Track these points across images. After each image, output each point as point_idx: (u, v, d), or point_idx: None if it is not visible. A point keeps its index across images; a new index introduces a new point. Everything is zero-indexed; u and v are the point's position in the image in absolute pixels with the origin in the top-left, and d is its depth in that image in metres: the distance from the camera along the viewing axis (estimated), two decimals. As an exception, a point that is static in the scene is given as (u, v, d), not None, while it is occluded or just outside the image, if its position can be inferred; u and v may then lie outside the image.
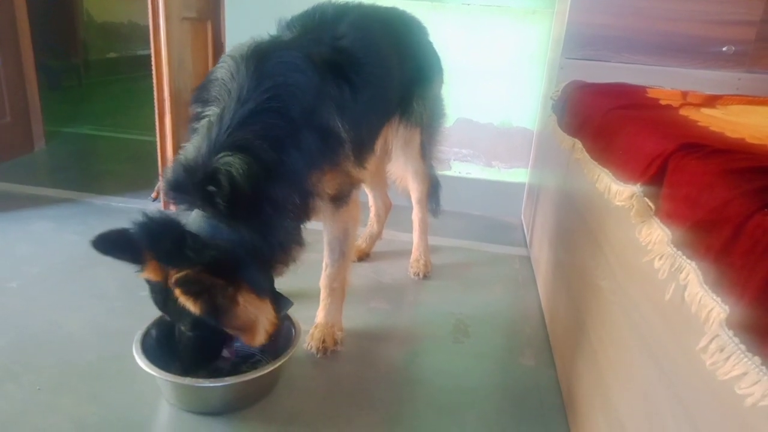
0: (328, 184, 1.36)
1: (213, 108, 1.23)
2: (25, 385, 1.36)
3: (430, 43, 1.94)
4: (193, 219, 1.20)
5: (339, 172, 1.39)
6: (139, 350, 1.32)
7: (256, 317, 1.24)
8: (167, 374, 1.29)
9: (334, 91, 1.34)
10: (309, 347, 1.56)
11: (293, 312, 1.51)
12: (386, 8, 1.83)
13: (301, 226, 1.34)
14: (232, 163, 1.14)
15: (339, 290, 1.63)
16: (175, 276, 1.09)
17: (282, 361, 1.35)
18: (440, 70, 1.98)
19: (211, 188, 1.15)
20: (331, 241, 1.57)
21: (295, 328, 1.45)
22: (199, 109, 1.27)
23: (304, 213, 1.32)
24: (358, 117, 1.41)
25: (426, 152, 1.98)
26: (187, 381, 1.29)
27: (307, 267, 1.42)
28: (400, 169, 2.05)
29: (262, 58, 1.26)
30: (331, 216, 1.49)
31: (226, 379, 1.29)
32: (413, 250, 2.14)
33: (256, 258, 1.21)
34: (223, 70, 1.27)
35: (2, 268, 1.92)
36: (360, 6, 1.64)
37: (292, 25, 1.48)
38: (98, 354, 1.50)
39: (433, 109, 1.96)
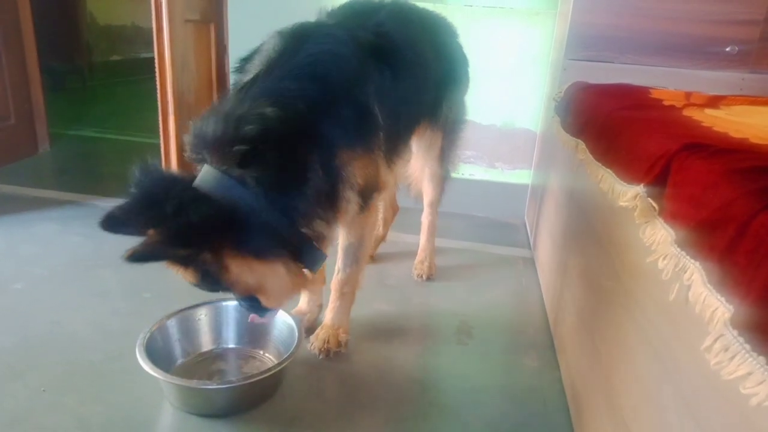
0: (358, 171, 1.27)
1: (250, 75, 1.21)
2: (30, 385, 1.37)
3: (460, 46, 1.90)
4: (202, 174, 1.10)
5: (371, 161, 1.32)
6: (143, 352, 1.32)
7: (260, 281, 1.15)
8: (170, 377, 1.29)
9: (376, 74, 1.30)
10: (312, 348, 1.55)
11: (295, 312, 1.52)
12: (420, 7, 1.77)
13: (329, 208, 1.22)
14: (259, 112, 1.08)
15: (349, 294, 1.60)
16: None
17: (285, 363, 1.35)
18: (468, 73, 1.96)
19: (221, 134, 1.07)
20: (346, 247, 1.53)
21: (298, 329, 1.45)
22: (238, 78, 1.26)
23: (331, 199, 1.21)
24: (395, 107, 1.37)
25: (446, 156, 1.96)
26: (192, 383, 1.29)
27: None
28: (417, 171, 2.03)
29: (306, 32, 1.26)
30: (350, 221, 1.41)
31: (229, 381, 1.29)
32: (419, 251, 2.13)
33: (265, 215, 1.09)
34: (268, 43, 1.27)
35: (7, 270, 1.93)
36: (395, 2, 1.61)
37: (333, 15, 1.47)
38: (102, 354, 1.50)
39: (458, 114, 1.94)
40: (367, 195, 1.37)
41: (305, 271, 1.25)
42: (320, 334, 1.57)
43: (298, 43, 1.23)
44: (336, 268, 1.58)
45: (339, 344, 1.57)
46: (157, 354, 1.35)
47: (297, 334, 1.44)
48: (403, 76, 1.38)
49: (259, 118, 1.07)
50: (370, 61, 1.30)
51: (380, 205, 2.09)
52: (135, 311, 1.71)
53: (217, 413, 1.32)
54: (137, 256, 0.98)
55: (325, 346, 1.54)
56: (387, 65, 1.34)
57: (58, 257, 2.03)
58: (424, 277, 2.07)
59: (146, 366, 1.28)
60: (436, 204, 2.09)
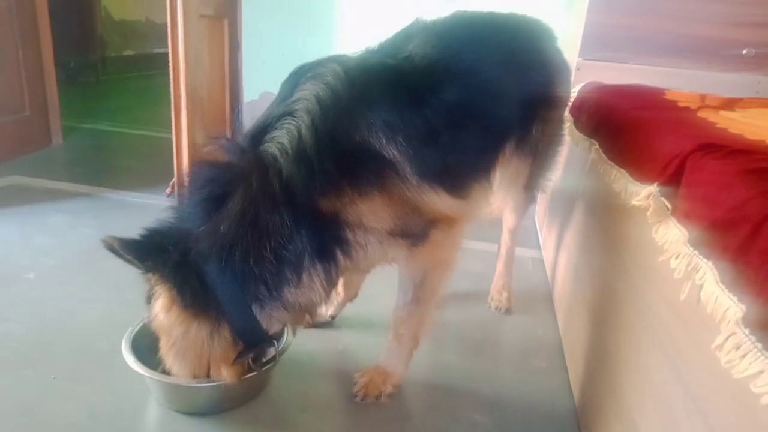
0: (374, 215, 1.13)
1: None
2: (42, 373, 1.38)
3: (558, 52, 1.62)
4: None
5: (391, 199, 1.14)
6: (129, 348, 1.29)
7: (173, 331, 1.14)
8: (153, 372, 1.24)
9: (387, 104, 1.14)
10: (355, 387, 1.40)
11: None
12: (500, 14, 1.53)
13: (320, 267, 1.12)
14: (229, 215, 1.08)
15: (407, 338, 1.39)
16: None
17: (272, 362, 1.29)
18: (568, 83, 1.67)
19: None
20: (403, 281, 1.34)
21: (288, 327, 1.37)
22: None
23: (325, 248, 1.11)
24: (432, 126, 1.17)
25: (533, 184, 1.72)
26: (179, 380, 1.22)
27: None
28: (499, 200, 1.83)
29: (301, 73, 1.19)
30: (404, 255, 1.25)
31: (212, 379, 1.21)
32: (496, 278, 1.95)
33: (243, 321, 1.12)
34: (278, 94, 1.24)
35: (20, 259, 1.95)
36: (462, 14, 1.44)
37: (373, 47, 1.33)
38: (112, 344, 1.50)
39: (553, 135, 1.67)
40: (411, 232, 1.20)
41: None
42: (366, 374, 1.41)
43: (286, 90, 1.17)
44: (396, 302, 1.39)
45: (378, 395, 1.38)
46: (149, 350, 1.27)
47: (287, 330, 1.38)
48: (439, 88, 1.21)
49: (230, 222, 1.06)
50: (372, 89, 1.15)
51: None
52: (143, 302, 1.72)
53: (199, 411, 1.28)
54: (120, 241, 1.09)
55: (363, 392, 1.38)
56: (404, 87, 1.17)
57: (70, 248, 2.06)
58: (503, 309, 1.87)
59: (131, 362, 1.26)
60: (515, 231, 1.91)
